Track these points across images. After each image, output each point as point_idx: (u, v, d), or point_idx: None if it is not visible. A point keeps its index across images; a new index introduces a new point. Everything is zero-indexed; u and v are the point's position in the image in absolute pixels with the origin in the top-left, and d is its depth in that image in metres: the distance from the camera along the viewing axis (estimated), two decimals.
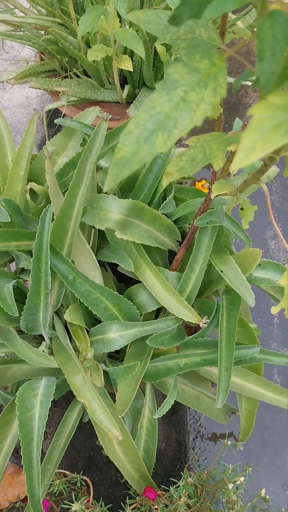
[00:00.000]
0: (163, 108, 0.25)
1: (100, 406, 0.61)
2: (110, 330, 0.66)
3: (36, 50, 1.04)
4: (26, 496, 0.96)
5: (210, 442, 1.11)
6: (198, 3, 0.25)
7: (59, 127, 1.51)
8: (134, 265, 0.70)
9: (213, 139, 0.36)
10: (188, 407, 1.12)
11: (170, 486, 0.67)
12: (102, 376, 0.65)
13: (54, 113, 1.53)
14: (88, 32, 0.94)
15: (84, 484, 0.74)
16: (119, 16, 0.77)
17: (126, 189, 0.79)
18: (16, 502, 0.81)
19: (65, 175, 0.73)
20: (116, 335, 0.66)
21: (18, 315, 0.62)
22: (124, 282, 0.85)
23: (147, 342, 0.65)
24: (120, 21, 0.76)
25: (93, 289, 0.66)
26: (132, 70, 0.77)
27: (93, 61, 0.89)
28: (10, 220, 0.68)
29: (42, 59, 1.06)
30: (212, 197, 0.49)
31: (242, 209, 0.51)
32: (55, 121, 0.76)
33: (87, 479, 0.69)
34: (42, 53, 1.06)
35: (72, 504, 0.58)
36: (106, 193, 0.79)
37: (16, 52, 1.59)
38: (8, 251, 0.76)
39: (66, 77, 0.99)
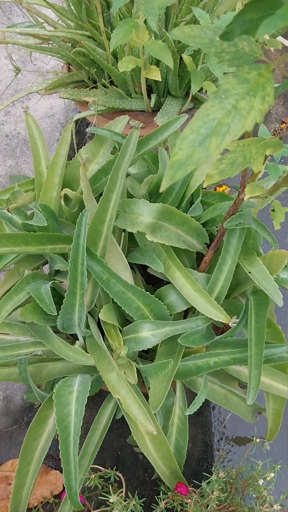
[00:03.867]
0: (216, 115, 0.28)
1: (134, 402, 0.63)
2: (142, 329, 0.68)
3: (63, 61, 1.09)
4: (58, 493, 0.99)
5: (235, 444, 1.12)
6: (249, 21, 0.27)
7: (83, 136, 1.55)
8: (164, 267, 0.73)
9: (252, 143, 0.39)
10: (213, 409, 1.14)
11: (199, 484, 0.69)
12: (136, 373, 0.67)
13: (79, 122, 1.57)
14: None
15: (115, 481, 0.76)
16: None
17: (154, 194, 0.82)
18: (49, 499, 0.84)
19: (97, 181, 0.76)
20: (148, 334, 0.68)
21: (56, 314, 0.65)
22: (152, 284, 0.87)
23: (178, 340, 0.67)
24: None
25: (126, 289, 0.69)
26: (160, 80, 0.80)
27: (121, 72, 0.93)
28: (46, 224, 0.71)
29: (69, 70, 1.10)
30: (245, 199, 0.51)
31: (273, 210, 0.54)
32: (88, 129, 0.79)
33: (120, 475, 0.71)
34: (69, 64, 1.11)
35: (109, 496, 0.60)
36: (134, 196, 0.82)
37: (42, 63, 1.64)
38: (42, 254, 0.79)
39: (93, 87, 1.02)
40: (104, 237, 0.70)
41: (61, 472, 1.06)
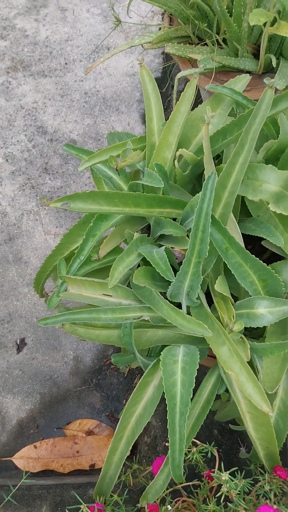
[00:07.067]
0: None
1: (249, 380, 0.60)
2: (259, 305, 0.64)
3: (167, 13, 1.02)
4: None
5: None
6: None
7: (165, 98, 1.48)
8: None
9: None
10: None
11: None
12: (249, 350, 0.64)
13: (167, 82, 1.50)
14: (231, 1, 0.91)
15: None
16: None
17: (271, 160, 0.76)
18: None
19: (215, 143, 0.71)
20: (265, 311, 0.64)
21: (173, 280, 0.62)
22: None
23: None
24: None
25: (244, 261, 0.65)
26: None
27: (238, 29, 0.86)
28: (162, 185, 0.67)
29: (170, 24, 1.03)
30: None
31: None
32: (206, 86, 0.74)
33: (215, 451, 0.69)
34: (170, 17, 1.04)
35: (221, 474, 0.58)
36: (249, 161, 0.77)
37: (126, 17, 1.56)
38: (146, 217, 0.76)
39: (198, 44, 0.96)
40: (224, 203, 0.66)
41: None
